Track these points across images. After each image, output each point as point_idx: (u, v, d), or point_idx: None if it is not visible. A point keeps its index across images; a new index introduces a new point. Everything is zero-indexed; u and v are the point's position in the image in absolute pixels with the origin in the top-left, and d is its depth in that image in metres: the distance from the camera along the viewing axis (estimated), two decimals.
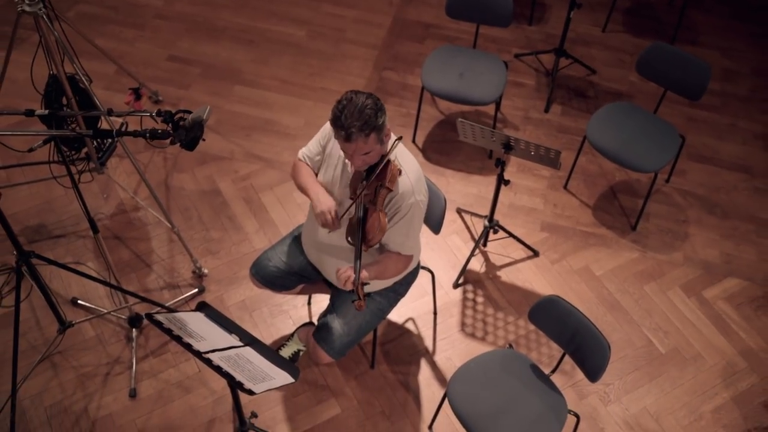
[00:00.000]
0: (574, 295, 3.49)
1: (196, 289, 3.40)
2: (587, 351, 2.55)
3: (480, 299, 3.46)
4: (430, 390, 3.14)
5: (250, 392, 2.05)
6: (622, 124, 3.66)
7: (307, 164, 2.67)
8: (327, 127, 2.58)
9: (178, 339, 2.09)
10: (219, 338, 2.22)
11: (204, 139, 2.43)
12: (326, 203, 2.48)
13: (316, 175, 2.64)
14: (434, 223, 2.93)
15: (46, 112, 2.57)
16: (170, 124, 2.38)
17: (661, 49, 3.59)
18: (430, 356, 3.25)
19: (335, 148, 2.54)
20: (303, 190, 2.61)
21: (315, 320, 3.27)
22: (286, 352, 3.13)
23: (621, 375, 3.22)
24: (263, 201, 3.79)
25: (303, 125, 4.19)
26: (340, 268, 2.36)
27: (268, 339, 3.27)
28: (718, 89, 4.52)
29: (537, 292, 3.49)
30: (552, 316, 2.65)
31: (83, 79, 3.07)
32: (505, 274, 3.56)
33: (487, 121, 4.26)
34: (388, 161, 2.38)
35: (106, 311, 3.27)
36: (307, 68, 4.52)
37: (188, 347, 2.08)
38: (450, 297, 3.46)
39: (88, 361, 3.16)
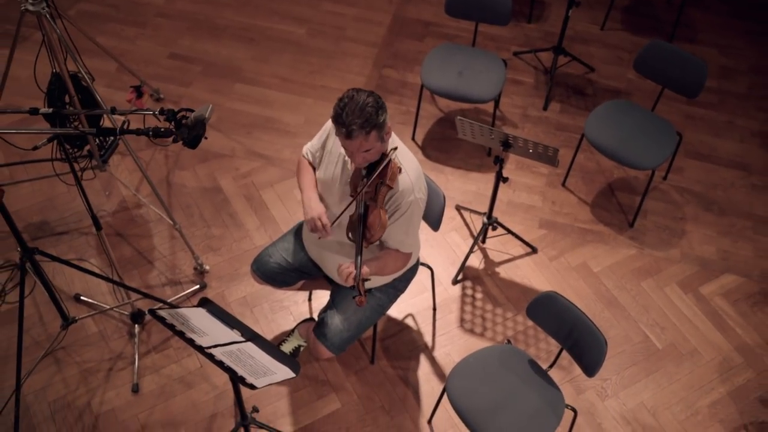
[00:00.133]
0: (572, 291, 3.52)
1: (198, 286, 3.42)
2: (584, 346, 2.57)
3: (479, 295, 3.49)
4: (429, 385, 3.17)
5: (252, 386, 2.09)
6: (620, 121, 3.68)
7: (309, 160, 2.71)
8: (328, 124, 2.61)
9: (181, 334, 2.12)
10: (221, 334, 2.25)
11: (206, 138, 2.43)
12: (316, 209, 2.50)
13: (315, 170, 2.67)
14: (433, 220, 2.95)
15: (51, 110, 2.55)
16: (173, 123, 2.38)
17: (659, 47, 3.61)
18: (429, 352, 3.28)
19: (336, 146, 2.56)
20: (300, 190, 2.65)
21: (315, 316, 3.30)
22: (286, 348, 3.15)
23: (618, 370, 3.25)
24: (264, 198, 3.82)
25: (303, 123, 4.21)
26: (341, 264, 2.39)
27: (269, 335, 3.29)
28: (716, 87, 4.53)
29: (535, 288, 3.52)
30: (550, 312, 2.68)
31: (86, 77, 3.08)
32: (503, 271, 3.58)
33: (486, 119, 4.28)
34: (389, 159, 2.41)
35: (108, 307, 3.30)
36: (308, 66, 4.54)
37: (191, 342, 2.11)
38: (449, 293, 3.49)
39: (91, 356, 3.18)
